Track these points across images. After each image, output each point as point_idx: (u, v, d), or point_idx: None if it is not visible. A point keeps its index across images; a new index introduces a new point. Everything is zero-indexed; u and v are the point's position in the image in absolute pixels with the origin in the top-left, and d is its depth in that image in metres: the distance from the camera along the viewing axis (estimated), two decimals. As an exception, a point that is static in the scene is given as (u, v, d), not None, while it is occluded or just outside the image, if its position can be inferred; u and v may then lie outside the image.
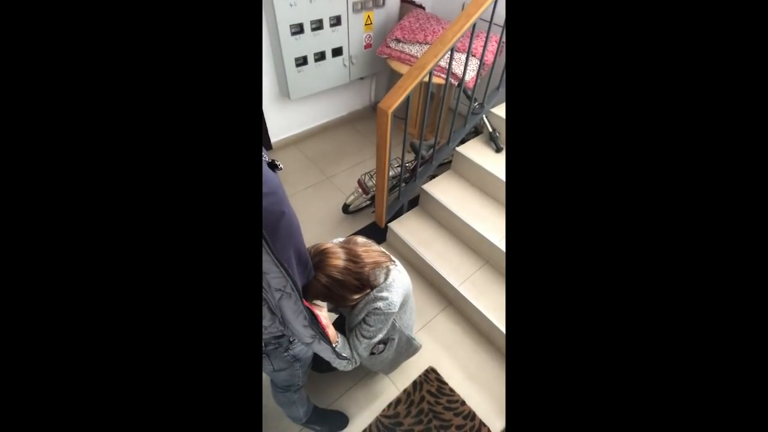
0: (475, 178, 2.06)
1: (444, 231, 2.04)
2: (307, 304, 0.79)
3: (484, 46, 1.88)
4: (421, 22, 2.38)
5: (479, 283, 1.82)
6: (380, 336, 1.12)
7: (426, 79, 1.56)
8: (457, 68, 2.11)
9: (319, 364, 1.53)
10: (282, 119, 2.64)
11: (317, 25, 2.24)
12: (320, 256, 0.96)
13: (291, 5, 2.05)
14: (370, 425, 1.49)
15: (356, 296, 1.04)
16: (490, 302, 1.74)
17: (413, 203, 2.18)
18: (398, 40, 2.39)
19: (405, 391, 1.59)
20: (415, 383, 1.61)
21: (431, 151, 2.02)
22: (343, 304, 1.07)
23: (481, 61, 1.96)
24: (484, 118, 2.09)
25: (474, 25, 1.56)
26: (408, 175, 2.07)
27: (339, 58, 2.47)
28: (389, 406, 1.54)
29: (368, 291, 1.07)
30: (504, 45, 2.19)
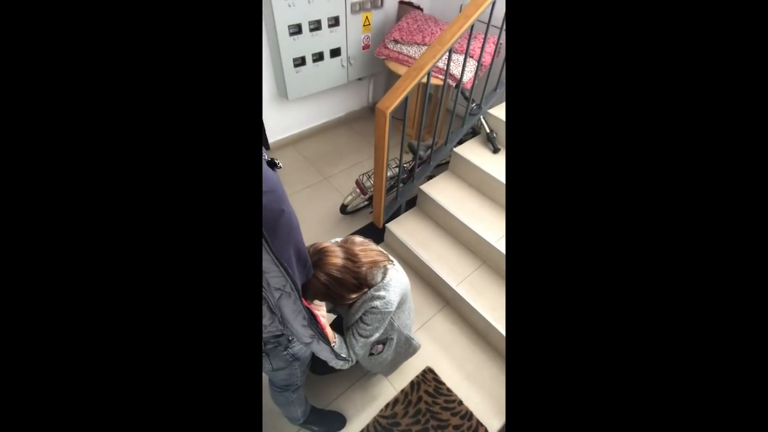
0: (473, 178, 2.06)
1: (442, 231, 2.05)
2: (306, 303, 0.79)
3: (482, 48, 1.88)
4: (419, 24, 2.39)
5: (477, 283, 1.82)
6: (377, 335, 1.12)
7: (424, 80, 1.56)
8: (455, 69, 2.12)
9: (316, 366, 1.53)
10: (280, 120, 2.64)
11: (315, 26, 2.24)
12: (319, 254, 0.97)
13: (289, 6, 2.06)
14: (368, 426, 1.49)
15: (354, 295, 1.05)
16: (488, 302, 1.74)
17: (411, 204, 2.19)
18: (396, 41, 2.39)
19: (402, 391, 1.59)
20: (412, 383, 1.61)
21: (429, 151, 2.03)
22: (341, 303, 1.07)
23: (478, 62, 1.97)
24: (482, 119, 2.10)
25: (472, 27, 1.57)
26: (406, 175, 2.07)
27: (337, 59, 2.48)
28: (387, 406, 1.54)
29: (366, 290, 1.07)
30: (501, 46, 2.20)
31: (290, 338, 0.95)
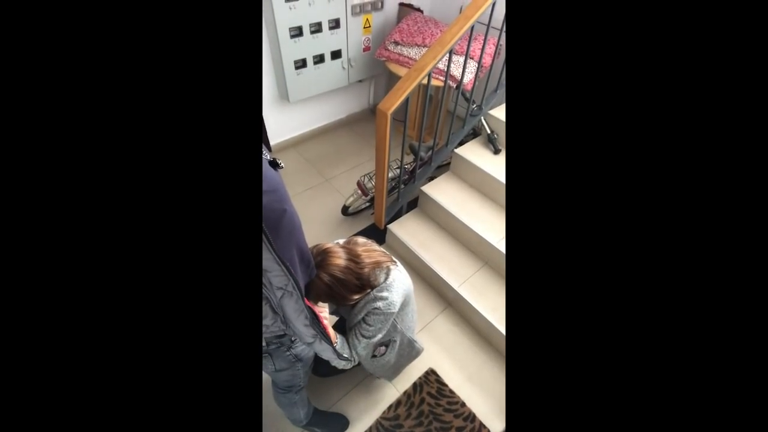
0: (474, 179, 2.06)
1: (443, 232, 2.05)
2: (308, 303, 0.79)
3: (482, 49, 1.89)
4: (420, 25, 2.39)
5: (478, 284, 1.82)
6: (379, 336, 1.12)
7: (425, 81, 1.57)
8: (456, 71, 2.12)
9: (319, 368, 1.52)
10: (281, 122, 2.64)
11: (316, 28, 2.25)
12: (322, 255, 0.97)
13: (290, 8, 2.06)
14: (371, 427, 1.49)
15: (356, 296, 1.05)
16: (490, 303, 1.74)
17: (412, 205, 2.19)
18: (397, 43, 2.40)
19: (405, 393, 1.58)
20: (415, 385, 1.61)
21: (430, 152, 2.03)
22: (344, 304, 1.07)
23: (479, 63, 1.97)
24: (483, 120, 2.10)
25: (472, 28, 1.57)
26: (407, 176, 2.07)
27: (338, 61, 2.48)
28: (389, 408, 1.54)
29: (368, 291, 1.07)
30: (501, 47, 2.21)
31: (293, 339, 0.95)
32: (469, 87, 2.11)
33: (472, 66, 2.13)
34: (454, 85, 2.08)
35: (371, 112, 3.15)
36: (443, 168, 2.26)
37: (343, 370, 1.55)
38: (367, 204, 2.25)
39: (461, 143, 2.14)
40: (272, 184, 0.64)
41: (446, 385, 1.61)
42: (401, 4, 2.63)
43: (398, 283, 1.10)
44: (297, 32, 2.18)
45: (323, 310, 0.98)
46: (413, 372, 1.63)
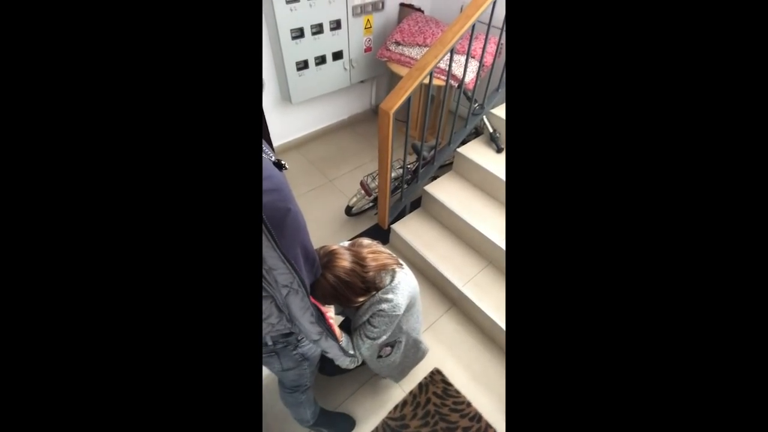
0: (477, 178, 2.06)
1: (447, 232, 2.05)
2: (314, 301, 0.79)
3: (483, 48, 1.89)
4: (420, 25, 2.39)
5: (483, 283, 1.82)
6: (384, 338, 1.12)
7: (426, 80, 1.57)
8: (457, 70, 2.12)
9: (325, 366, 1.53)
10: (284, 123, 2.65)
11: (317, 30, 2.25)
12: (329, 257, 0.98)
13: (291, 10, 2.07)
14: (377, 428, 1.49)
15: (361, 298, 1.05)
16: (494, 302, 1.73)
17: (415, 205, 2.19)
18: (398, 43, 2.40)
19: (411, 393, 1.58)
20: (420, 385, 1.60)
21: (432, 152, 2.03)
22: (349, 306, 1.07)
23: (480, 62, 1.97)
24: (485, 119, 2.10)
25: (473, 27, 1.57)
26: (410, 176, 2.07)
27: (339, 62, 2.49)
28: (395, 408, 1.54)
29: (374, 293, 1.07)
30: (503, 46, 2.20)
31: (299, 338, 0.95)
32: (471, 86, 2.10)
33: (473, 65, 2.13)
34: (456, 85, 2.08)
35: (373, 113, 3.16)
36: (446, 167, 2.26)
37: (348, 369, 1.56)
38: (371, 204, 2.25)
39: (463, 142, 2.14)
40: (276, 183, 0.64)
41: (452, 385, 1.60)
42: (402, 5, 2.64)
43: (404, 285, 1.10)
44: (298, 33, 2.18)
45: (329, 310, 0.98)
46: (418, 372, 1.63)
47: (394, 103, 1.49)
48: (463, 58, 2.02)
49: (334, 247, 1.02)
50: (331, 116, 2.93)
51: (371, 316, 1.07)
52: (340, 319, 1.46)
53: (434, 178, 2.15)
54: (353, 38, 2.46)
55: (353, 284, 0.99)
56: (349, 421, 1.48)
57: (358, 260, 1.01)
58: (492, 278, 1.84)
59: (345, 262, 0.98)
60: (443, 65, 1.86)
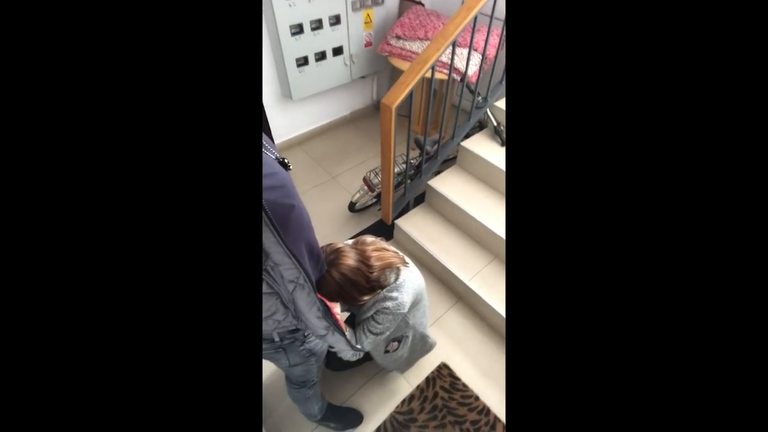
0: (481, 172, 2.05)
1: (451, 226, 2.04)
2: (320, 296, 0.79)
3: (486, 40, 1.87)
4: (421, 19, 2.37)
5: (489, 277, 1.81)
6: (387, 334, 1.13)
7: (428, 74, 1.55)
8: (460, 63, 2.10)
9: (332, 362, 1.53)
10: (285, 120, 2.65)
11: (317, 25, 2.24)
12: (335, 254, 0.98)
13: (290, 5, 2.06)
14: (385, 422, 1.49)
15: (366, 297, 1.06)
16: (501, 296, 1.73)
17: (419, 200, 2.18)
18: (399, 37, 2.38)
19: (418, 387, 1.58)
20: (428, 379, 1.60)
21: (436, 146, 2.02)
22: (353, 304, 1.08)
23: (483, 55, 1.95)
24: (488, 112, 2.08)
25: (475, 19, 1.55)
26: (413, 171, 2.06)
27: (340, 57, 2.48)
28: (403, 402, 1.54)
29: (378, 291, 1.08)
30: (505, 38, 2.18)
31: (306, 333, 0.96)
32: (474, 79, 2.09)
33: (476, 58, 2.11)
34: (459, 78, 2.06)
35: (375, 108, 3.14)
36: (450, 162, 2.25)
37: (355, 364, 1.57)
38: (374, 200, 2.25)
39: (467, 136, 2.12)
40: (280, 180, 0.64)
41: (459, 379, 1.60)
42: (402, -2, 2.62)
43: (408, 283, 1.11)
44: (298, 29, 2.17)
45: (335, 305, 0.99)
46: (425, 366, 1.63)
47: (396, 97, 1.48)
48: (465, 51, 2.00)
49: (341, 245, 1.02)
50: (332, 112, 2.93)
51: (376, 313, 1.08)
52: (346, 315, 1.47)
53: (438, 172, 2.14)
54: (353, 33, 2.45)
55: (358, 283, 1.00)
56: (357, 416, 1.49)
57: (364, 260, 1.02)
58: (498, 272, 1.83)
59: (350, 260, 0.98)
60: (445, 58, 1.85)
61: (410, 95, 1.54)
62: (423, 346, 1.40)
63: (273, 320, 0.81)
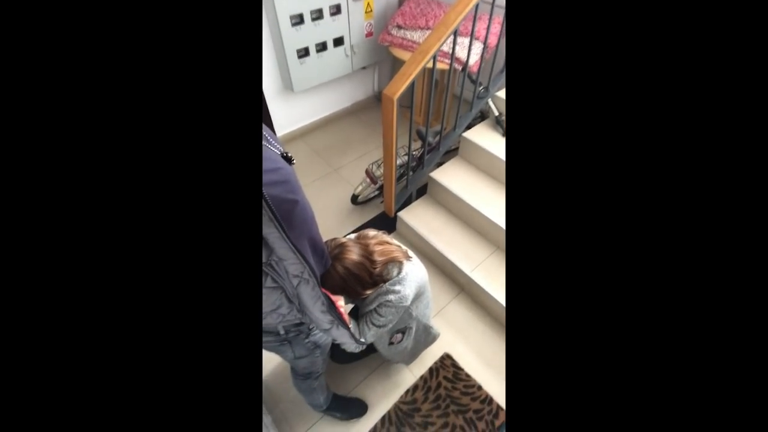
0: (483, 163, 2.04)
1: (454, 218, 2.04)
2: (324, 291, 0.80)
3: (488, 29, 1.84)
4: (422, 7, 2.34)
5: (491, 268, 1.82)
6: (390, 326, 1.14)
7: (430, 64, 1.54)
8: (461, 52, 2.08)
9: (336, 355, 1.55)
10: (286, 113, 2.63)
11: (317, 15, 2.21)
12: (339, 248, 0.99)
13: (290, -5, 2.03)
14: (389, 412, 1.51)
15: (369, 291, 1.07)
16: (503, 287, 1.73)
17: (422, 191, 2.17)
18: (400, 27, 2.35)
19: (422, 377, 1.60)
20: (431, 369, 1.62)
21: (438, 137, 2.01)
22: (357, 298, 1.09)
23: (484, 44, 1.92)
24: (490, 102, 2.06)
25: (477, 7, 1.53)
26: (415, 163, 2.06)
27: (340, 48, 2.45)
28: (407, 392, 1.56)
29: (381, 285, 1.09)
30: (508, 26, 2.15)
31: (311, 326, 0.97)
32: (475, 69, 2.06)
33: (477, 47, 2.08)
34: (460, 68, 2.04)
35: (376, 100, 3.12)
36: (452, 153, 2.24)
37: (359, 357, 1.59)
38: (377, 192, 2.24)
39: (469, 127, 2.11)
40: (284, 175, 0.64)
41: (462, 369, 1.62)
42: (403, -14, 2.58)
43: (411, 276, 1.11)
44: (298, 20, 2.15)
45: (339, 299, 1.00)
46: (429, 357, 1.65)
47: (398, 88, 1.47)
48: (466, 40, 1.98)
49: (344, 239, 1.03)
50: (334, 104, 2.91)
51: (378, 306, 1.09)
52: (350, 307, 1.48)
53: (440, 164, 2.14)
54: (354, 23, 2.42)
55: (362, 277, 1.01)
56: (362, 406, 1.51)
57: (367, 254, 1.03)
58: (500, 263, 1.83)
59: (354, 255, 0.99)
60: (446, 48, 1.83)
61: (412, 86, 1.52)
62: (426, 337, 1.42)
63: (278, 314, 0.81)
